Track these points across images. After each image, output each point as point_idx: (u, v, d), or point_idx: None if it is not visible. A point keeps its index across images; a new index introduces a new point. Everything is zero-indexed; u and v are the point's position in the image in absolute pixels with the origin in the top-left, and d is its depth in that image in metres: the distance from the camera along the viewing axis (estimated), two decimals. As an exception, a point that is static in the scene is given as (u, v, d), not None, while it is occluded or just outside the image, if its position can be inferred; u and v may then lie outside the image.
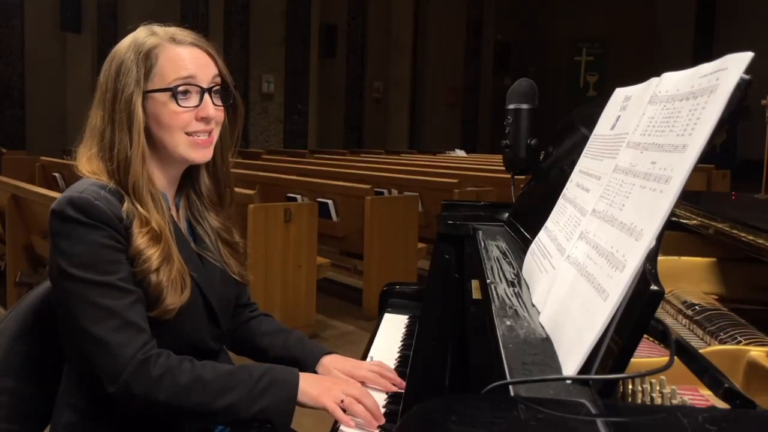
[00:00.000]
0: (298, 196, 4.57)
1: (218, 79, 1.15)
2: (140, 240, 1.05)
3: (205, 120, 1.12)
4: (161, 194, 1.13)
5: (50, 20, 9.78)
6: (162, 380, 1.00)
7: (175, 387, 1.01)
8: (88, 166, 1.10)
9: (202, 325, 1.15)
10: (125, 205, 1.06)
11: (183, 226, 1.21)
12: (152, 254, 1.05)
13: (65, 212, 1.02)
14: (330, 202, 4.44)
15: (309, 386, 1.06)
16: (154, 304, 1.06)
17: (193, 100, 1.11)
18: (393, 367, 1.27)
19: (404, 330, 1.50)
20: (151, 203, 1.09)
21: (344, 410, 1.04)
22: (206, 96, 1.12)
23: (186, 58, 1.11)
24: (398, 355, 1.35)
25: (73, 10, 9.74)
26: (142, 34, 1.13)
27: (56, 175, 6.12)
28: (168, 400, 1.01)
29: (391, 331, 1.50)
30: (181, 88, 1.10)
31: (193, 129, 1.11)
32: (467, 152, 11.95)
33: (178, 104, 1.10)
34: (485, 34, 16.26)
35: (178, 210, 1.21)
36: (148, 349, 1.02)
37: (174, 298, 1.06)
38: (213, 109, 1.12)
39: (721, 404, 0.67)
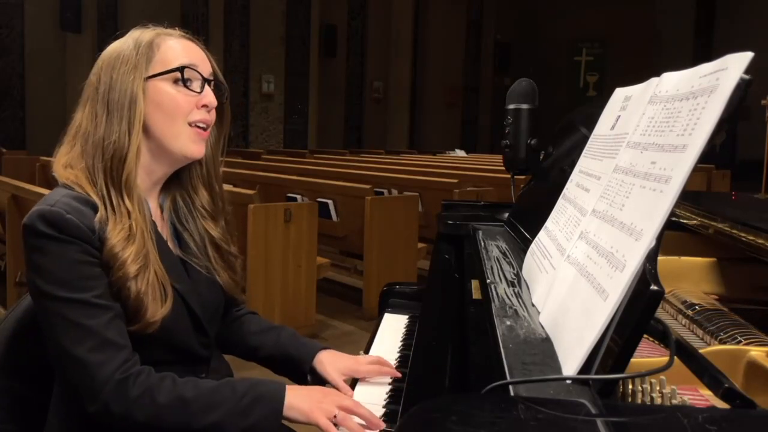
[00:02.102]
0: (298, 196, 4.57)
1: (212, 78, 1.15)
2: (114, 240, 1.01)
3: (206, 108, 1.11)
4: (144, 200, 1.10)
5: (50, 20, 9.78)
6: (141, 400, 0.98)
7: (153, 406, 0.98)
8: (66, 171, 1.07)
9: (188, 334, 1.13)
10: (98, 214, 1.02)
11: (167, 230, 1.17)
12: (127, 257, 1.01)
13: (36, 227, 0.99)
14: (330, 202, 4.44)
15: (298, 401, 1.02)
16: (135, 317, 1.02)
17: (196, 86, 1.10)
18: (392, 364, 1.27)
19: (404, 330, 1.50)
20: (137, 203, 1.06)
21: (337, 425, 1.00)
22: (207, 85, 1.12)
23: (187, 47, 1.12)
24: (398, 355, 1.35)
25: (73, 10, 9.73)
26: (137, 32, 1.13)
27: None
28: (147, 419, 0.98)
29: (391, 331, 1.50)
30: (186, 73, 1.09)
31: (195, 118, 1.10)
32: (467, 152, 11.95)
33: (184, 85, 1.09)
34: (485, 34, 16.24)
35: (162, 212, 1.18)
36: (128, 367, 0.99)
37: (155, 308, 1.03)
38: (214, 98, 1.12)
39: (721, 404, 0.67)
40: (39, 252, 1.00)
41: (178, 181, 1.19)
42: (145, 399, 0.98)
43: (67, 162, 1.08)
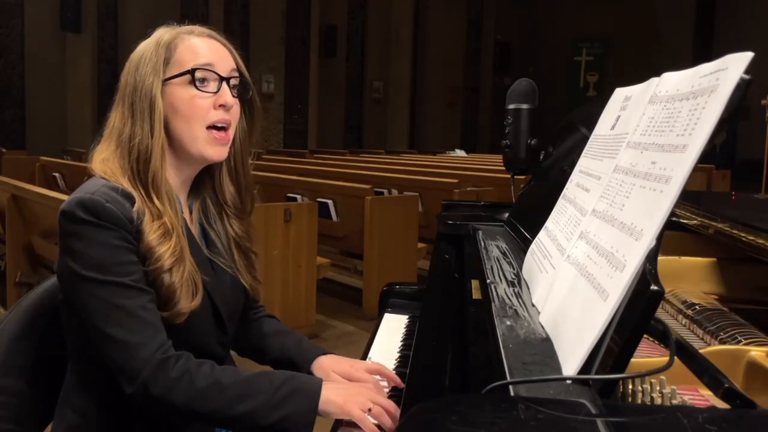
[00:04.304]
0: (298, 196, 4.57)
1: (236, 74, 1.15)
2: (151, 236, 1.03)
3: (224, 108, 1.11)
4: (175, 195, 1.12)
5: (50, 20, 9.78)
6: (179, 382, 0.99)
7: (192, 390, 0.99)
8: (102, 165, 1.09)
9: (209, 331, 1.14)
10: (136, 205, 1.04)
11: (195, 229, 1.19)
12: (163, 252, 1.03)
13: (75, 214, 1.00)
14: (330, 202, 4.44)
15: (333, 394, 1.03)
16: (166, 305, 1.04)
17: (212, 87, 1.10)
18: (393, 367, 1.27)
19: (404, 330, 1.50)
20: (167, 201, 1.08)
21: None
22: (224, 84, 1.11)
23: (204, 47, 1.12)
24: (398, 355, 1.35)
25: (73, 10, 9.73)
26: (161, 31, 1.14)
27: (56, 175, 6.12)
28: (185, 402, 0.99)
29: (391, 331, 1.50)
30: (199, 74, 1.09)
31: (213, 119, 1.10)
32: (467, 152, 11.95)
33: (197, 88, 1.09)
34: (485, 34, 16.26)
35: (191, 213, 1.20)
36: (167, 349, 1.00)
37: (186, 302, 1.05)
38: (231, 97, 1.12)
39: (721, 404, 0.67)
40: (76, 237, 1.01)
41: (208, 179, 1.21)
42: (183, 381, 0.99)
43: (104, 158, 1.10)
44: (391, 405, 1.04)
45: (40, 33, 9.80)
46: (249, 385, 1.01)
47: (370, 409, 1.01)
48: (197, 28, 1.15)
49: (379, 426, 1.02)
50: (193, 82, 1.09)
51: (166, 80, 1.09)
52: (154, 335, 1.00)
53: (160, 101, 1.08)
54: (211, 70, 1.10)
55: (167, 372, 0.99)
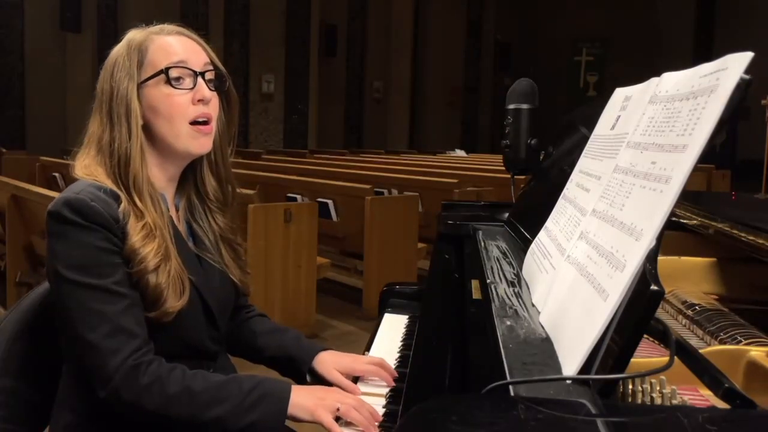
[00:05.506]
0: (298, 196, 4.57)
1: (210, 67, 1.15)
2: (135, 237, 1.03)
3: (202, 102, 1.11)
4: (160, 195, 1.13)
5: (50, 20, 9.79)
6: (150, 388, 1.00)
7: (163, 396, 1.00)
8: (85, 169, 1.10)
9: (201, 327, 1.15)
10: (122, 205, 1.05)
11: (182, 227, 1.20)
12: (148, 253, 1.04)
13: (61, 213, 1.01)
14: (330, 202, 4.44)
15: (302, 399, 1.03)
16: (153, 306, 1.05)
17: (187, 83, 1.11)
18: (393, 367, 1.27)
19: (404, 330, 1.50)
20: (150, 201, 1.08)
21: (338, 419, 1.01)
22: (199, 79, 1.12)
23: (175, 44, 1.12)
24: (398, 355, 1.35)
25: (73, 10, 9.74)
26: (131, 34, 1.14)
27: (56, 175, 6.12)
28: (156, 408, 1.00)
29: (391, 331, 1.50)
30: (173, 73, 1.10)
31: (193, 115, 1.11)
32: (467, 152, 11.95)
33: (173, 87, 1.10)
34: (485, 34, 16.25)
35: (177, 211, 1.20)
36: (140, 356, 1.01)
37: (173, 301, 1.05)
38: (208, 91, 1.12)
39: (721, 404, 0.67)
40: (61, 238, 1.02)
41: (192, 176, 1.21)
42: (154, 388, 1.00)
43: (86, 164, 1.11)
44: (360, 404, 1.03)
45: (40, 33, 9.80)
46: (219, 390, 1.02)
47: (338, 409, 1.02)
48: (167, 27, 1.15)
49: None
50: (169, 81, 1.10)
51: (141, 83, 1.10)
52: (128, 341, 1.00)
53: (136, 104, 1.09)
54: (184, 67, 1.11)
55: (138, 379, 0.99)
